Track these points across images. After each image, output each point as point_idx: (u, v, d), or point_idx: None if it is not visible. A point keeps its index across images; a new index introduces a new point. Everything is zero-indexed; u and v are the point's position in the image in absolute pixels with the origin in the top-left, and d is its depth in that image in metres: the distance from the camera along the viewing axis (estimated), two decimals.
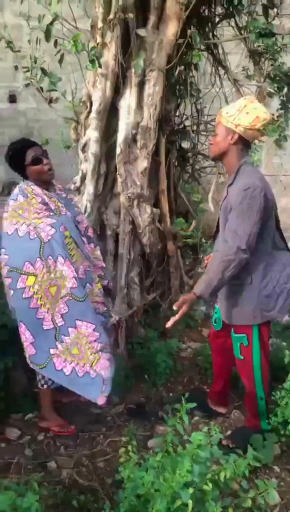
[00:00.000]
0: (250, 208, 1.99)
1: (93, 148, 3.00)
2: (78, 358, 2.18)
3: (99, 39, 2.73)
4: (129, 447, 1.78)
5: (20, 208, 2.23)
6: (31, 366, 2.24)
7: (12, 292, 2.19)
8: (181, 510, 1.51)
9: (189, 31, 2.64)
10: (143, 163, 3.05)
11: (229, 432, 2.48)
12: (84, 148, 3.09)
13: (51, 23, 2.78)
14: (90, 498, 1.97)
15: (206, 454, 1.49)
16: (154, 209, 3.29)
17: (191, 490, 1.50)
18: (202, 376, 3.07)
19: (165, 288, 3.71)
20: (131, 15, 2.53)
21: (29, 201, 2.24)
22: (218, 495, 1.59)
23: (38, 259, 2.14)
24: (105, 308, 2.50)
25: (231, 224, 2.05)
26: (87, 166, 3.09)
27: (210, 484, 1.51)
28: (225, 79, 3.35)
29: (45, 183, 2.34)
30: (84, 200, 3.15)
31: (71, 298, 2.16)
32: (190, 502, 1.49)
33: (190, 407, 1.68)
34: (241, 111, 2.03)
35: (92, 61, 2.63)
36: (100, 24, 2.70)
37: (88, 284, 2.34)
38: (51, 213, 2.26)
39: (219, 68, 3.33)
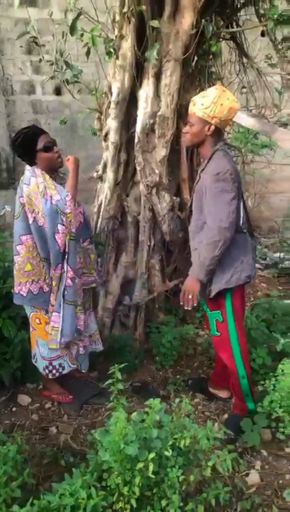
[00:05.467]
0: (223, 190, 2.11)
1: (112, 137, 3.12)
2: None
3: (117, 32, 2.84)
4: (115, 415, 1.90)
5: (33, 195, 2.35)
6: None
7: None
8: (143, 472, 1.62)
9: (203, 21, 2.68)
10: (161, 152, 3.13)
11: (225, 416, 2.53)
12: (106, 137, 3.22)
13: (77, 18, 2.95)
14: (78, 460, 2.13)
15: (166, 419, 1.58)
16: (174, 198, 3.36)
17: (152, 454, 1.61)
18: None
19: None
20: (144, 8, 2.61)
21: (39, 181, 2.36)
22: (183, 463, 1.68)
23: None
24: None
25: (210, 207, 2.16)
26: (108, 155, 3.22)
27: (170, 450, 1.61)
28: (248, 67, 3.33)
29: (52, 170, 2.46)
30: (105, 187, 3.30)
31: None
32: (151, 465, 1.60)
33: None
34: (215, 103, 2.11)
35: (108, 53, 2.76)
36: (117, 17, 2.81)
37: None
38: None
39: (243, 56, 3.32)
